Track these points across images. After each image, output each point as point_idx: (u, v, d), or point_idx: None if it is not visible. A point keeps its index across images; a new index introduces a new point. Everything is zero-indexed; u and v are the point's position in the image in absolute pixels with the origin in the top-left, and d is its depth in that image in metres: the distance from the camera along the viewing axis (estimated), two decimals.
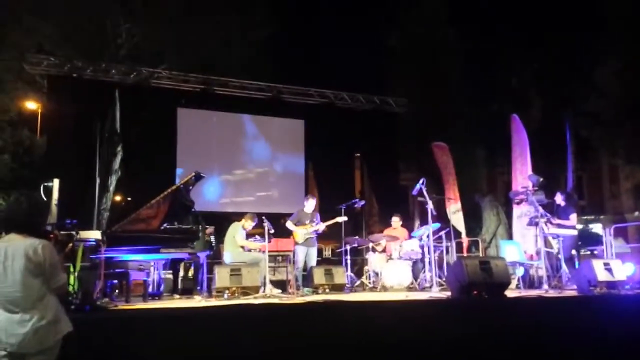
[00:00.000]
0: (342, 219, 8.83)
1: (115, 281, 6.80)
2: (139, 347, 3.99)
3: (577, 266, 8.14)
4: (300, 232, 8.48)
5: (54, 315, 2.98)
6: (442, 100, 17.13)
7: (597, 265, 6.72)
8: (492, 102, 18.72)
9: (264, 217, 7.46)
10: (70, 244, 5.05)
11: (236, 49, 14.75)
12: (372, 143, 13.56)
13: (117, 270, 6.47)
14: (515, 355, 4.91)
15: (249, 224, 8.01)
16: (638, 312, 5.77)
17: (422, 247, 8.89)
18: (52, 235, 4.58)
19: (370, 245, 9.37)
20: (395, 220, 9.76)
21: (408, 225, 10.33)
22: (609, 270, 6.70)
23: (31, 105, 16.50)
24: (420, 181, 8.41)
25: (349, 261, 9.21)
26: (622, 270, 6.93)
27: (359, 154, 14.33)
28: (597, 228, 20.69)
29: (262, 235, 7.54)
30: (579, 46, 16.98)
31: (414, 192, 8.59)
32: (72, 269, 5.25)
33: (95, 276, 5.56)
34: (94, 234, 5.93)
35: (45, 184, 6.38)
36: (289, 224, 8.63)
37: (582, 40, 16.79)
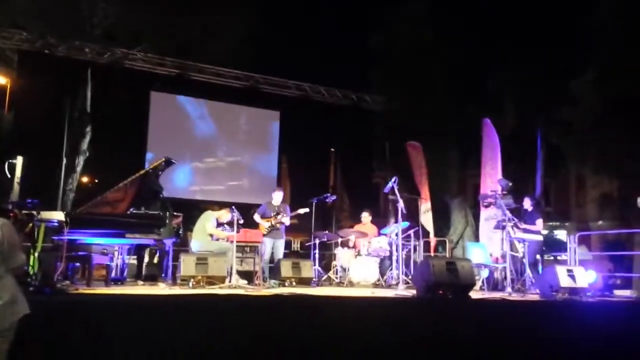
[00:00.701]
0: (303, 210, 8.83)
1: (77, 264, 6.66)
2: (99, 332, 3.90)
3: (540, 271, 8.26)
4: (265, 225, 8.44)
5: (10, 296, 2.89)
6: (418, 100, 17.20)
7: (561, 271, 6.82)
8: (467, 105, 18.87)
9: (233, 207, 7.38)
10: (30, 224, 4.92)
11: (215, 36, 14.55)
12: (346, 139, 13.59)
13: (79, 253, 6.32)
14: (477, 356, 4.96)
15: (225, 216, 7.90)
16: (598, 318, 5.88)
17: (390, 244, 8.93)
18: (12, 214, 4.46)
19: (339, 240, 9.37)
20: (365, 216, 9.77)
21: (378, 222, 10.36)
22: (572, 276, 6.80)
23: (0, 79, 16.04)
24: (393, 179, 8.43)
25: (317, 255, 9.19)
26: (585, 277, 7.04)
27: (333, 149, 14.33)
28: (561, 235, 21.19)
29: (230, 225, 7.46)
30: (555, 55, 17.24)
31: (386, 190, 8.61)
32: (32, 250, 5.12)
33: (56, 258, 5.43)
34: (57, 215, 5.77)
35: (10, 161, 6.20)
36: (256, 216, 8.59)
37: (558, 49, 17.05)
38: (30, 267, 5.07)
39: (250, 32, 15.43)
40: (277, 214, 8.53)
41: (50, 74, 10.44)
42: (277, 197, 8.77)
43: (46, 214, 5.57)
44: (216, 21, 14.21)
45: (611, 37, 14.42)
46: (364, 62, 18.87)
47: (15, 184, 5.76)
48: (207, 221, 7.75)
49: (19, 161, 5.99)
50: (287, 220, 8.61)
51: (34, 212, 5.28)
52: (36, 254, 5.15)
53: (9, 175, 5.80)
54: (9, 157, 6.31)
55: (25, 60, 10.91)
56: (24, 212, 5.15)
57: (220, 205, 8.36)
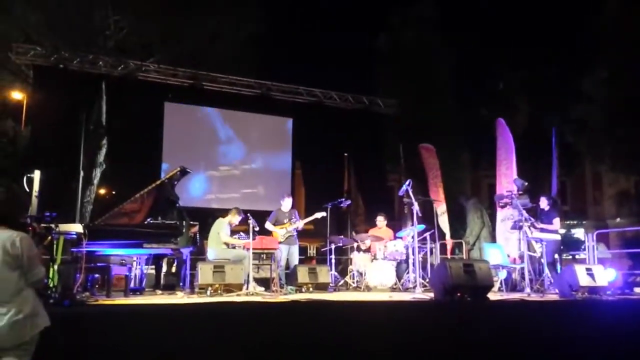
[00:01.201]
0: (320, 214, 8.85)
1: (97, 275, 6.72)
2: (119, 343, 3.94)
3: (559, 271, 8.18)
4: (279, 232, 8.47)
5: (31, 309, 2.92)
6: (430, 103, 17.19)
7: (580, 270, 6.76)
8: (479, 106, 18.83)
9: (248, 214, 7.41)
10: (49, 237, 4.97)
11: (226, 45, 14.66)
12: (359, 143, 13.57)
13: (98, 264, 6.37)
14: (496, 358, 4.93)
15: (235, 218, 7.95)
16: (619, 317, 5.81)
17: (406, 247, 8.90)
18: (30, 228, 4.52)
19: (355, 244, 9.36)
20: (380, 220, 9.75)
21: (394, 226, 10.34)
22: (591, 275, 6.73)
23: (16, 95, 16.27)
24: (407, 182, 8.42)
25: (333, 260, 9.19)
26: (604, 276, 6.97)
27: (346, 154, 14.33)
28: (579, 233, 20.96)
29: (246, 232, 7.48)
30: (568, 53, 17.14)
31: (401, 192, 8.60)
32: (51, 263, 5.18)
33: (75, 270, 5.48)
34: (75, 227, 5.84)
35: (28, 175, 6.28)
36: (268, 225, 8.61)
37: (570, 48, 16.95)
38: (49, 280, 5.12)
39: (260, 39, 15.54)
40: (289, 220, 8.56)
41: (65, 88, 10.56)
42: (287, 204, 8.79)
43: (64, 227, 5.62)
44: (226, 29, 14.31)
45: (621, 37, 14.31)
46: (374, 66, 18.93)
47: (33, 197, 5.83)
48: (220, 229, 7.78)
49: (36, 175, 6.05)
50: (300, 225, 8.62)
51: (52, 225, 5.33)
52: (55, 267, 5.19)
53: (27, 190, 5.87)
54: (27, 171, 6.37)
55: (40, 75, 11.06)
56: (42, 225, 5.20)
57: (237, 212, 8.37)
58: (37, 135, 11.08)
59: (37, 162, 7.73)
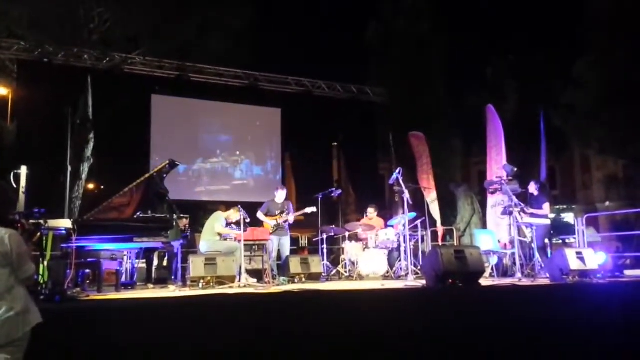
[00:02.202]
0: (310, 209, 8.85)
1: (87, 271, 6.68)
2: (111, 338, 3.91)
3: (549, 255, 8.24)
4: (271, 223, 8.45)
5: (22, 306, 2.91)
6: (419, 90, 17.18)
7: (570, 254, 6.80)
8: (468, 93, 18.86)
9: (239, 206, 7.39)
10: (38, 234, 4.93)
11: (213, 36, 14.54)
12: (349, 132, 13.55)
13: (89, 259, 6.33)
14: (489, 343, 4.96)
15: (234, 216, 7.89)
16: (609, 300, 5.87)
17: (397, 236, 8.92)
18: (19, 225, 4.47)
19: (347, 233, 9.36)
20: (371, 212, 9.75)
21: (384, 215, 10.36)
22: (582, 259, 6.78)
23: (1, 90, 16.07)
24: (397, 170, 8.43)
25: (325, 250, 9.19)
26: (594, 259, 7.02)
27: (336, 143, 14.31)
28: (569, 217, 21.12)
29: (237, 224, 7.47)
30: (556, 38, 17.20)
31: (391, 181, 8.61)
32: (41, 259, 5.14)
33: (65, 266, 5.44)
34: (65, 223, 5.79)
35: (15, 171, 6.21)
36: (259, 215, 8.60)
37: (558, 32, 17.00)
38: (40, 276, 5.09)
39: (247, 30, 15.42)
40: (282, 212, 8.54)
41: (51, 83, 10.43)
42: (281, 195, 8.76)
43: (53, 223, 5.57)
44: (213, 20, 14.19)
45: (609, 22, 14.36)
46: (363, 55, 18.87)
47: (20, 193, 5.77)
48: (217, 221, 7.76)
49: (23, 171, 5.99)
50: (291, 218, 8.61)
51: (41, 222, 5.29)
52: (45, 263, 5.16)
53: (14, 186, 5.80)
54: (14, 167, 6.30)
55: (25, 70, 10.92)
56: (31, 221, 5.15)
57: (227, 205, 8.37)
58: (23, 131, 10.95)
59: (23, 157, 7.66)
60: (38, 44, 10.83)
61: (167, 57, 11.96)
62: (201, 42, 14.23)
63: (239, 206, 7.56)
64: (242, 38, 15.70)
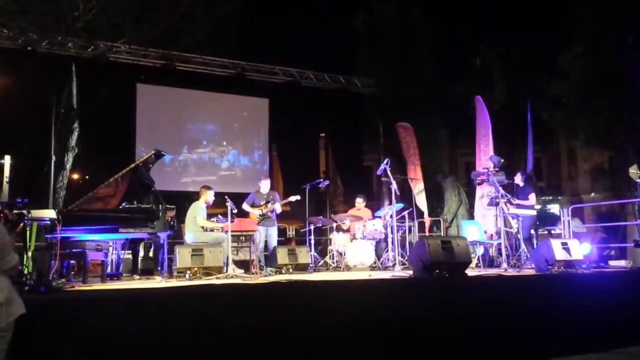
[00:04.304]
0: (294, 198, 8.83)
1: (72, 262, 6.62)
2: (97, 329, 3.88)
3: (535, 245, 8.31)
4: (256, 213, 8.42)
5: (5, 297, 2.86)
6: (407, 81, 17.18)
7: (555, 244, 6.86)
8: (456, 84, 18.89)
9: (226, 197, 7.33)
10: (22, 224, 4.86)
11: (199, 24, 14.36)
12: (337, 123, 13.52)
13: (74, 250, 6.28)
14: (475, 333, 4.99)
15: (208, 196, 7.84)
16: (594, 290, 5.93)
17: (385, 226, 8.94)
18: (1, 215, 4.41)
19: (335, 225, 9.36)
20: (359, 202, 9.78)
21: (372, 205, 10.38)
22: (567, 249, 6.85)
23: None
24: (385, 161, 8.44)
25: (312, 241, 9.20)
26: (579, 250, 7.09)
27: (323, 134, 14.26)
28: (554, 208, 21.31)
29: (224, 215, 7.42)
30: (543, 30, 17.25)
31: (379, 172, 8.62)
32: (25, 250, 5.07)
33: (50, 256, 5.39)
34: (49, 213, 5.72)
35: None
36: (245, 206, 8.56)
37: (545, 24, 17.06)
38: (24, 267, 5.03)
39: (234, 19, 15.26)
40: (267, 202, 8.50)
41: (34, 71, 10.26)
42: (265, 185, 8.72)
43: (37, 213, 5.50)
44: (199, 8, 14.01)
45: (594, 14, 14.43)
46: (351, 45, 18.80)
47: (4, 183, 5.68)
48: (197, 213, 7.68)
49: (6, 160, 5.90)
50: (278, 207, 8.57)
51: (25, 212, 5.22)
52: (29, 254, 5.10)
53: None
54: None
55: (8, 59, 10.72)
56: (14, 212, 5.08)
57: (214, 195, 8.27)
58: (6, 120, 10.76)
59: (6, 147, 7.52)
60: (21, 32, 10.64)
61: (152, 46, 11.81)
62: (187, 30, 14.05)
63: (206, 185, 7.59)
64: (229, 27, 15.54)
